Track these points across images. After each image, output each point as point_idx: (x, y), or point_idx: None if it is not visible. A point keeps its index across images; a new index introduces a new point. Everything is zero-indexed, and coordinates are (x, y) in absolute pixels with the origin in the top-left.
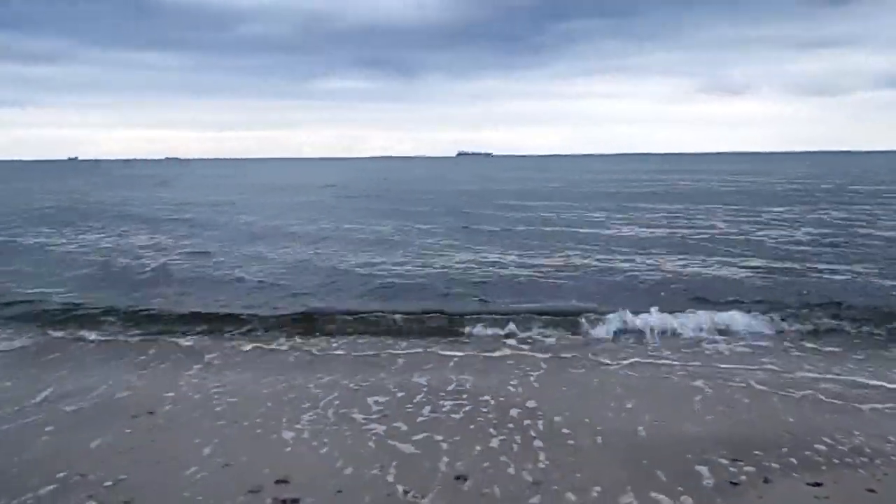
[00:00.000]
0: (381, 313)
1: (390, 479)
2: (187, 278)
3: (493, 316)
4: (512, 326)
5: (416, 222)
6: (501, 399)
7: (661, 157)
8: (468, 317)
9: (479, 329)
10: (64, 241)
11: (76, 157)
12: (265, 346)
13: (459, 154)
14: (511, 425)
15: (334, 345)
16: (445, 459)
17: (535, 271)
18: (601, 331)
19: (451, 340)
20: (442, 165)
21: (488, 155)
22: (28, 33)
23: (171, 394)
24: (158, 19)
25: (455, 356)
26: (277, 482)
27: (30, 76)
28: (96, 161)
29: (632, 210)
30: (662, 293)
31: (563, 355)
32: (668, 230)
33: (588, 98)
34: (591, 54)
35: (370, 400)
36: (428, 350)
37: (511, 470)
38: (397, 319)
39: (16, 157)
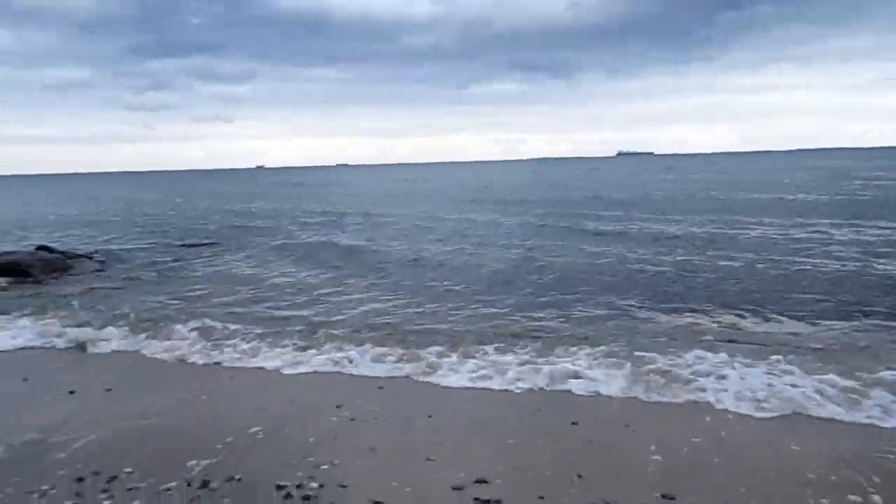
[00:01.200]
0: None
1: (592, 487)
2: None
3: None
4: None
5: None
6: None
7: (854, 152)
8: None
9: None
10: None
11: (262, 166)
12: None
13: (619, 154)
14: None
15: None
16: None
17: None
18: None
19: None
20: (601, 165)
21: (650, 154)
22: (225, 57)
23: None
24: (327, 37)
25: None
26: (477, 482)
27: (225, 94)
28: (280, 168)
29: None
30: None
31: None
32: None
33: (760, 91)
34: (763, 44)
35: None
36: None
37: None
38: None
39: (217, 167)
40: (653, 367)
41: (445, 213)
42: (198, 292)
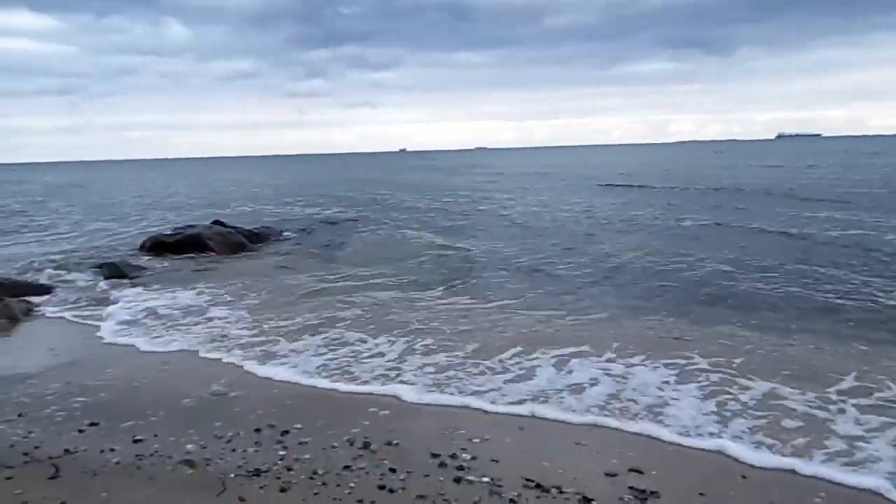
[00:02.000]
0: None
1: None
2: None
3: None
4: None
5: None
6: None
7: None
8: None
9: None
10: None
11: (405, 149)
12: None
13: (779, 136)
14: None
15: None
16: None
17: None
18: None
19: None
20: (761, 149)
21: (816, 136)
22: (373, 46)
23: None
24: (471, 22)
25: None
26: (631, 470)
27: (372, 81)
28: (421, 152)
29: None
30: None
31: None
32: None
33: None
34: None
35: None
36: None
37: None
38: None
39: (363, 151)
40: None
41: (597, 198)
42: (355, 270)
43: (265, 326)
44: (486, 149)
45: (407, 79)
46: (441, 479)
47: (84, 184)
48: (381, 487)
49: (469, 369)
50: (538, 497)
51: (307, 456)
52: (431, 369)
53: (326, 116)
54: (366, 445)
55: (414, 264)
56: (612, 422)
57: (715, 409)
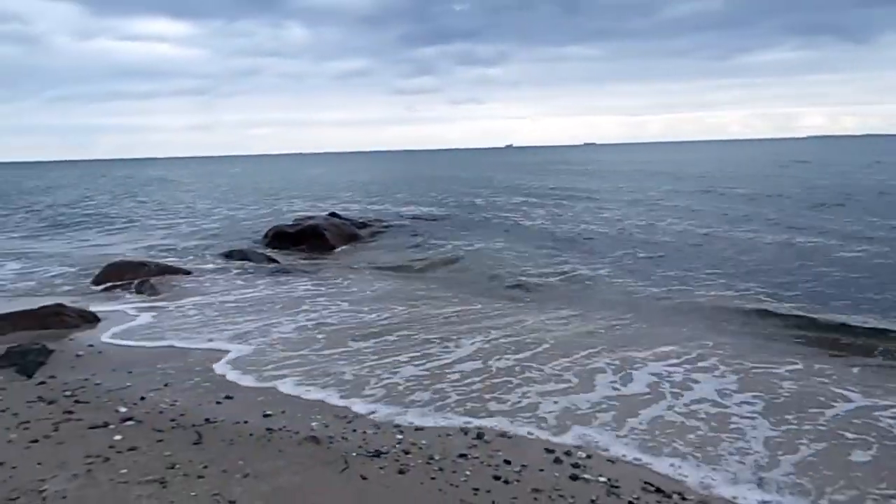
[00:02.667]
0: None
1: None
2: None
3: None
4: None
5: None
6: None
7: None
8: None
9: None
10: None
11: (511, 145)
12: None
13: None
14: None
15: None
16: None
17: None
18: None
19: None
20: None
21: None
22: (481, 41)
23: None
24: (582, 15)
25: None
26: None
27: (479, 77)
28: (527, 147)
29: None
30: None
31: None
32: None
33: None
34: None
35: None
36: None
37: None
38: None
39: (469, 147)
40: None
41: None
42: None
43: (381, 315)
44: (594, 144)
45: (514, 74)
46: (556, 474)
47: (211, 177)
48: (497, 478)
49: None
50: (658, 502)
51: (424, 441)
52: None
53: (434, 113)
54: (479, 436)
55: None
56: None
57: None
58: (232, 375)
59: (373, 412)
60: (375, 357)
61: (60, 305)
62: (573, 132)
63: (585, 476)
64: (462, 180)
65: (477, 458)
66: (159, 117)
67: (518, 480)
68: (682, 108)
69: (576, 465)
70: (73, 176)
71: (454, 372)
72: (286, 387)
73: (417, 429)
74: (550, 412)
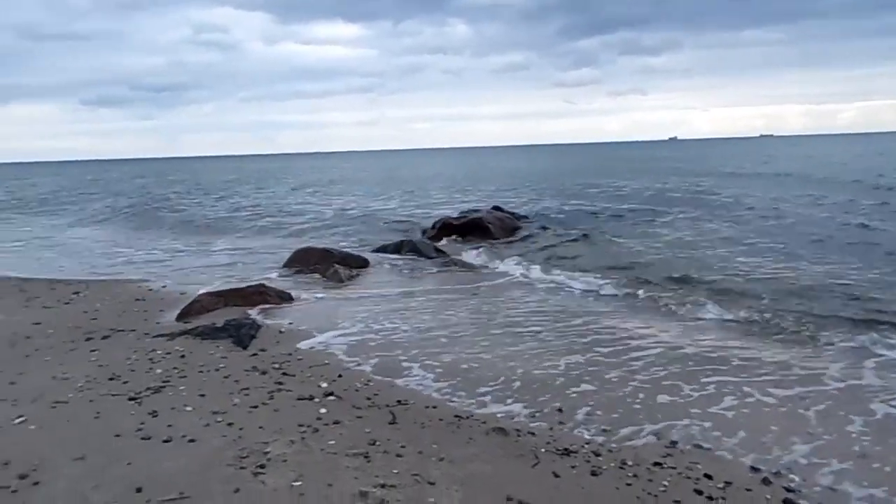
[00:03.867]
0: None
1: None
2: None
3: None
4: None
5: None
6: None
7: None
8: None
9: None
10: None
11: (675, 137)
12: None
13: None
14: None
15: None
16: None
17: None
18: None
19: None
20: None
21: None
22: (648, 30)
23: None
24: None
25: None
26: None
27: (642, 67)
28: (693, 140)
29: None
30: None
31: None
32: None
33: None
34: None
35: None
36: None
37: None
38: None
39: (631, 139)
40: None
41: None
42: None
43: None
44: (771, 136)
45: (682, 62)
46: (767, 496)
47: (375, 170)
48: (699, 493)
49: None
50: None
51: (613, 445)
52: None
53: (594, 105)
54: (673, 444)
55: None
56: None
57: None
58: (416, 362)
59: (558, 409)
60: (557, 353)
61: (263, 285)
62: (748, 123)
63: (802, 503)
64: (621, 173)
65: (674, 468)
66: (331, 114)
67: (723, 498)
68: (879, 94)
69: (789, 489)
70: (261, 170)
71: (646, 376)
72: (470, 375)
73: (605, 430)
74: (755, 429)
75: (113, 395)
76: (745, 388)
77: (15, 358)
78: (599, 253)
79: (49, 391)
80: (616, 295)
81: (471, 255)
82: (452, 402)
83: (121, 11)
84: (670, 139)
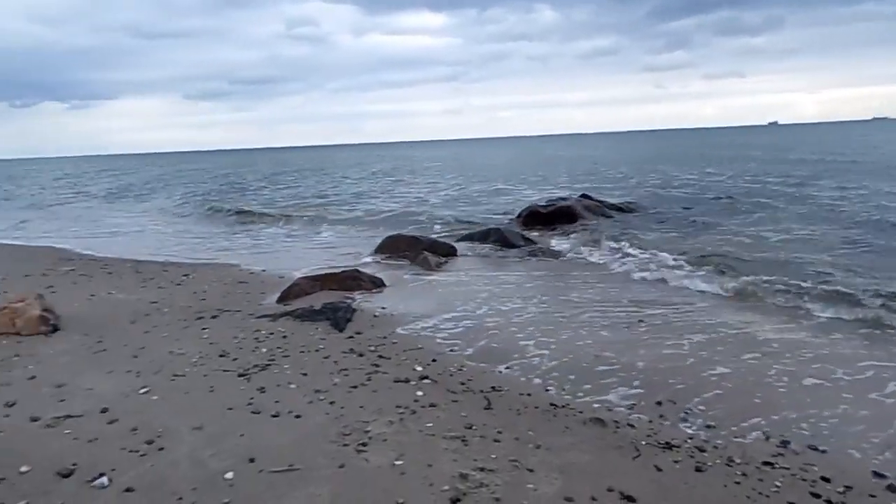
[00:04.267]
0: None
1: None
2: None
3: None
4: None
5: None
6: None
7: None
8: None
9: None
10: None
11: (776, 122)
12: None
13: None
14: None
15: None
16: None
17: None
18: None
19: None
20: None
21: None
22: (748, 8)
23: None
24: None
25: None
26: None
27: (740, 48)
28: (796, 125)
29: None
30: None
31: None
32: None
33: None
34: None
35: None
36: None
37: None
38: None
39: (727, 125)
40: None
41: None
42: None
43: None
44: (886, 119)
45: (785, 42)
46: None
47: (460, 158)
48: (816, 496)
49: None
50: None
51: (718, 441)
52: None
53: (687, 89)
54: (784, 444)
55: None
56: None
57: None
58: (509, 349)
59: (657, 402)
60: (651, 346)
61: (357, 271)
62: (860, 104)
63: None
64: (715, 161)
65: (786, 468)
66: (416, 104)
67: (844, 503)
68: None
69: None
70: (348, 158)
71: (752, 372)
72: (565, 365)
73: (709, 426)
74: (878, 432)
75: (224, 370)
76: (864, 389)
77: (136, 333)
78: (694, 243)
79: (167, 365)
80: (716, 289)
81: (559, 244)
82: (548, 390)
83: (221, 9)
84: (770, 124)
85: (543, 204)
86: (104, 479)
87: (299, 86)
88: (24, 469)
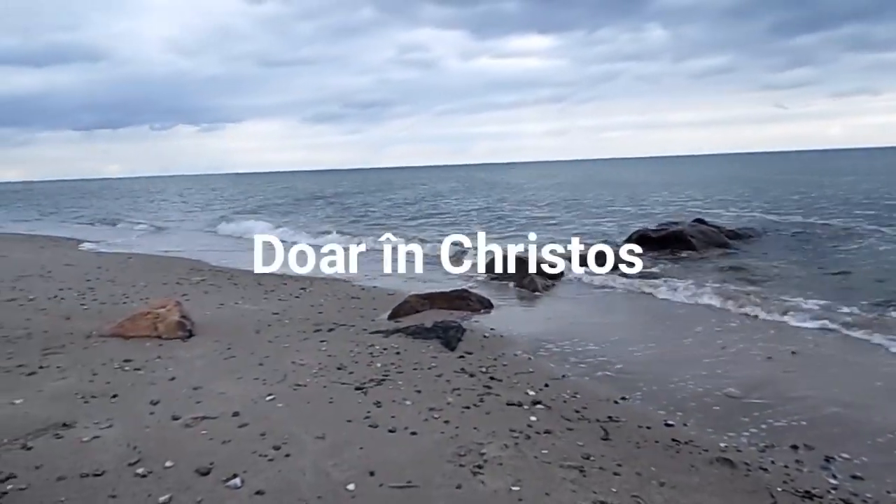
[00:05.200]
0: None
1: None
2: None
3: None
4: None
5: None
6: None
7: None
8: None
9: None
10: None
11: None
12: None
13: None
14: None
15: None
16: None
17: None
18: None
19: None
20: None
21: None
22: (877, 21)
23: None
24: None
25: None
26: None
27: (872, 64)
28: None
29: None
30: None
31: None
32: None
33: None
34: None
35: None
36: None
37: None
38: None
39: (856, 146)
40: None
41: None
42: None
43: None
44: None
45: None
46: None
47: (566, 179)
48: None
49: None
50: None
51: (868, 495)
52: None
53: (810, 108)
54: None
55: None
56: None
57: None
58: (624, 380)
59: (792, 446)
60: (780, 385)
61: (465, 290)
62: None
63: None
64: (844, 184)
65: None
66: (521, 125)
67: None
68: None
69: None
70: (454, 178)
71: None
72: (686, 400)
73: (854, 476)
74: None
75: (342, 383)
76: None
77: (261, 342)
78: (821, 278)
79: (290, 374)
80: (845, 330)
81: (670, 270)
82: (670, 424)
83: (339, 37)
84: None
85: (654, 227)
86: (237, 480)
87: (408, 108)
88: (168, 464)
